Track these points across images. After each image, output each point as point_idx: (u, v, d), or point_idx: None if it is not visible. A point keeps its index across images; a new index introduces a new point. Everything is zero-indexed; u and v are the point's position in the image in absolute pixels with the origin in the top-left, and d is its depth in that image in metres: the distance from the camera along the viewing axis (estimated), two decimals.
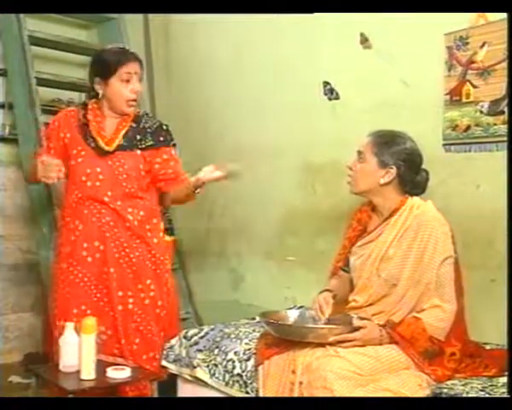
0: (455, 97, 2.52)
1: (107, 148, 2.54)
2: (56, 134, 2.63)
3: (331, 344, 2.08)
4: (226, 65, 3.44)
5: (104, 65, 2.56)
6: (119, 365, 2.36)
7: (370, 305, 2.24)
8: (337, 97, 2.94)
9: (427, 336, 2.07)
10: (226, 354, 2.49)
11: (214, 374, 2.51)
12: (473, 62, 2.48)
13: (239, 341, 2.53)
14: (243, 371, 2.38)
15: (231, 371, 2.43)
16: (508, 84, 2.32)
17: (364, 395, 1.92)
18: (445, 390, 2.01)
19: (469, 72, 2.48)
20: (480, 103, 2.45)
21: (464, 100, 2.49)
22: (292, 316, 2.35)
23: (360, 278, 2.28)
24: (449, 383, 2.07)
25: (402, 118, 2.61)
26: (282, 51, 3.13)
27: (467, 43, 2.49)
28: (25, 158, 3.55)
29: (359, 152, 2.29)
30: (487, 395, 1.96)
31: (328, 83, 2.96)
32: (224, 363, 2.47)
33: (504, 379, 2.03)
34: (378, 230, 2.28)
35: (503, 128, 2.38)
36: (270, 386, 2.16)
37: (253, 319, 2.91)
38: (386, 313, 2.19)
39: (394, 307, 2.18)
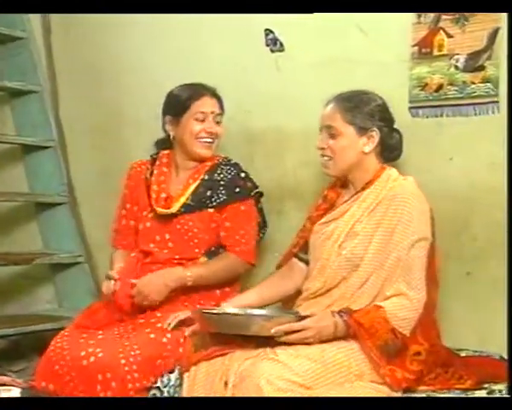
0: (424, 49, 2.35)
1: (163, 211, 2.39)
2: (130, 198, 2.53)
3: (273, 344, 1.90)
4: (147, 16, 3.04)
5: (175, 101, 2.46)
6: (5, 385, 2.16)
7: (326, 292, 2.13)
8: (281, 49, 2.72)
9: (389, 328, 1.94)
10: None
11: None
12: None
13: None
14: (165, 387, 2.13)
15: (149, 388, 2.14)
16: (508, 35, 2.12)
17: None
18: None
19: (443, 17, 2.30)
20: (456, 57, 2.29)
21: (436, 53, 2.33)
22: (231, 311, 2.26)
23: (319, 259, 2.17)
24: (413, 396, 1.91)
25: (358, 75, 2.45)
26: None
27: None
28: None
29: (328, 127, 2.17)
30: None
31: (270, 31, 2.74)
32: None
33: (482, 392, 1.92)
34: (346, 204, 2.18)
35: (483, 87, 2.23)
36: None
37: None
38: (346, 300, 2.08)
39: (354, 294, 2.08)
